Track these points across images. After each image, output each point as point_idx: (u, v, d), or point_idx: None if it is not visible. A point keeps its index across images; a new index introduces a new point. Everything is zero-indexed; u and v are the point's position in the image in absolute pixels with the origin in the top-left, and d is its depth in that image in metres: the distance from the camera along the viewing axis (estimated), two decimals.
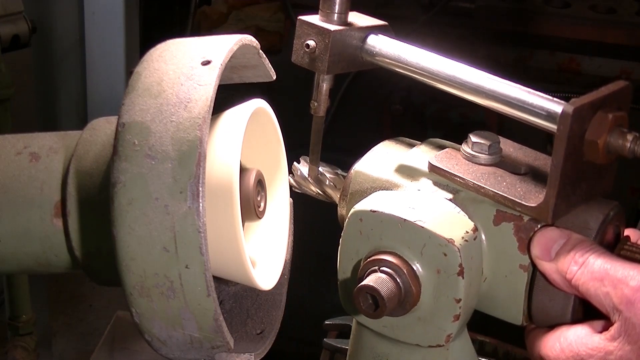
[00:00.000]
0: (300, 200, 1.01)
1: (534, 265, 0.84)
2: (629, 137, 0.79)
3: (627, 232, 0.89)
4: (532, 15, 2.50)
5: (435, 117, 2.55)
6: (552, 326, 0.84)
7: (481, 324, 1.03)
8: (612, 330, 0.79)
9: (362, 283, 0.81)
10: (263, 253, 0.90)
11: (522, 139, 0.92)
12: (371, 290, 0.80)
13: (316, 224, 1.73)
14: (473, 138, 0.89)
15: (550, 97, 0.82)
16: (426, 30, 2.46)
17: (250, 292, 0.94)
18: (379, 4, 2.57)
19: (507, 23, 2.53)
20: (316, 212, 1.29)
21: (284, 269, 0.92)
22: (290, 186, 0.98)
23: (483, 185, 0.84)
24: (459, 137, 0.92)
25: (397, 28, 0.97)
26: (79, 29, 3.16)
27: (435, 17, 2.52)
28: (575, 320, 0.83)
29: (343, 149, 1.17)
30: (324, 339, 1.51)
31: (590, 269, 0.80)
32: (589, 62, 2.50)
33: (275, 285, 0.88)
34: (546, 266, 0.82)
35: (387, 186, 0.91)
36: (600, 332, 0.81)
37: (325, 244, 1.18)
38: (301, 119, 1.08)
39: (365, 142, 0.97)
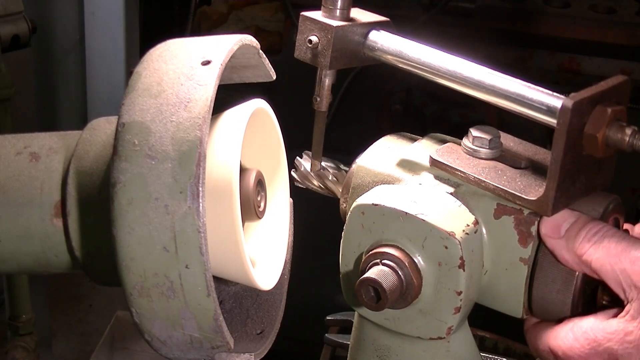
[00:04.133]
0: (301, 197, 1.01)
1: (536, 253, 0.83)
2: (628, 131, 0.79)
3: (625, 226, 0.89)
4: (532, 15, 2.50)
5: (435, 117, 2.55)
6: (559, 320, 0.84)
7: (482, 320, 1.03)
8: (631, 310, 0.77)
9: (364, 276, 0.82)
10: (263, 253, 0.90)
11: (521, 138, 0.93)
12: (373, 282, 0.81)
13: (317, 221, 1.73)
14: (474, 132, 0.89)
15: (550, 92, 0.82)
16: (426, 30, 2.46)
17: (250, 292, 0.94)
18: (379, 3, 2.55)
19: (507, 23, 2.52)
20: (317, 209, 1.29)
21: (284, 269, 0.92)
22: (293, 181, 0.98)
23: (484, 179, 0.85)
24: (459, 137, 0.92)
25: (397, 28, 0.97)
26: (79, 29, 3.15)
27: (435, 17, 2.52)
28: (575, 312, 0.83)
29: (343, 148, 1.17)
30: (325, 335, 1.51)
31: (605, 246, 0.79)
32: (589, 62, 2.50)
33: (275, 285, 0.88)
34: (555, 243, 0.81)
35: (388, 180, 0.91)
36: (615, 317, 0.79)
37: (326, 241, 1.18)
38: (301, 118, 1.08)
39: (365, 142, 0.97)
